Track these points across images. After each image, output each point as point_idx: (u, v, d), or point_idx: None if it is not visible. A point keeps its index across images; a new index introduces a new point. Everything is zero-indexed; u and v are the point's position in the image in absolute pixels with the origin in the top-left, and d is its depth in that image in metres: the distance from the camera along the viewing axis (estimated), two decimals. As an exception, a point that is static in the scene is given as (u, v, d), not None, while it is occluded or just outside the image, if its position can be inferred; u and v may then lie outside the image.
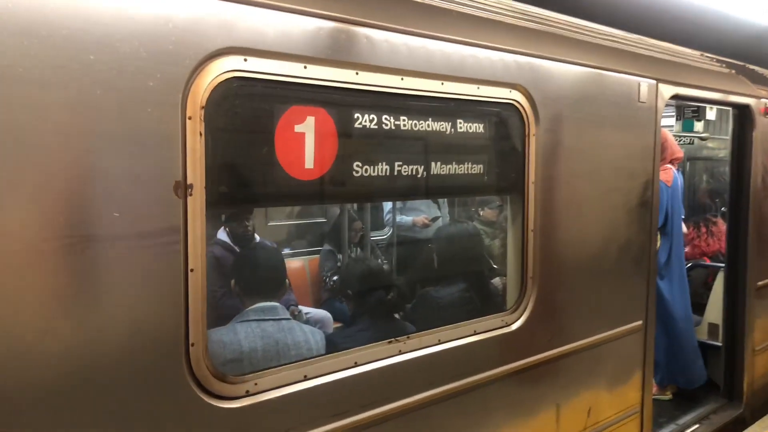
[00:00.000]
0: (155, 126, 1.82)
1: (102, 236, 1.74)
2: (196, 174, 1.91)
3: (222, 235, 5.24)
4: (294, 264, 6.23)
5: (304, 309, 4.98)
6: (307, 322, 4.97)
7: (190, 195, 1.90)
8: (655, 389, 4.56)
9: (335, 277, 5.89)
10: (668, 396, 5.18)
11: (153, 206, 1.83)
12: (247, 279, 2.86)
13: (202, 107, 1.92)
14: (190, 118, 1.89)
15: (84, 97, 1.68)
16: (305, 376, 2.25)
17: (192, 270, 1.93)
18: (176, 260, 1.89)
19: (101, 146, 1.72)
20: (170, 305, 1.89)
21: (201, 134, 1.92)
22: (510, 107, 2.95)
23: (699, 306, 5.42)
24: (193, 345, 1.95)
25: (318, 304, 5.99)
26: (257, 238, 5.32)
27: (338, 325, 5.23)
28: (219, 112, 1.99)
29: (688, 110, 5.64)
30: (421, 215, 6.61)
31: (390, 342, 2.54)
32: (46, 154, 1.63)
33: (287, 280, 4.85)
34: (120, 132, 1.75)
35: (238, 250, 5.04)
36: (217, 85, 1.95)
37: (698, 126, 5.71)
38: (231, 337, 2.52)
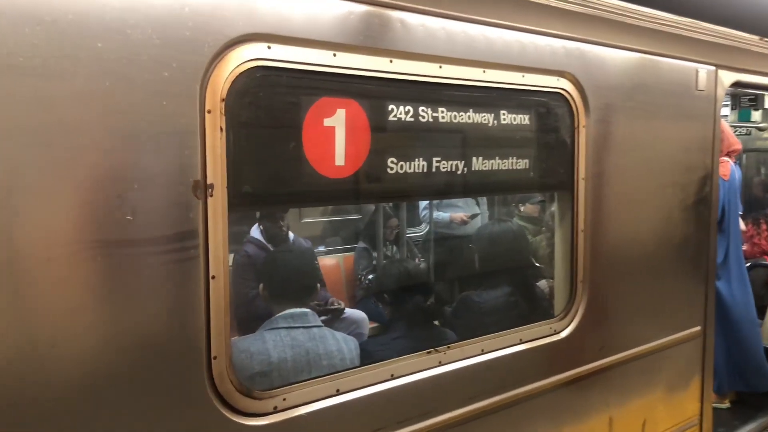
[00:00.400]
0: (171, 120, 1.66)
1: (113, 242, 1.59)
2: (217, 173, 1.75)
3: (256, 232, 5.12)
4: (328, 262, 6.08)
5: (340, 310, 4.82)
6: (343, 321, 4.83)
7: (211, 196, 1.74)
8: (712, 397, 4.26)
9: (370, 276, 5.72)
10: (726, 404, 4.87)
11: (170, 209, 1.68)
12: (276, 283, 2.70)
13: (223, 100, 1.76)
14: (209, 112, 1.73)
15: (92, 90, 1.54)
16: (338, 390, 2.08)
17: (213, 277, 1.77)
18: (196, 267, 1.74)
19: (111, 143, 1.57)
20: (190, 316, 1.73)
21: (222, 129, 1.76)
22: (558, 97, 2.72)
23: (760, 309, 5.07)
24: (215, 358, 1.79)
25: (353, 303, 5.84)
26: (291, 236, 5.18)
27: (374, 325, 5.07)
28: (241, 104, 1.82)
29: (744, 99, 5.29)
30: (459, 211, 6.39)
31: (429, 352, 2.35)
32: (49, 152, 1.49)
33: (321, 280, 4.72)
34: (132, 127, 1.60)
35: (271, 250, 4.91)
36: (238, 75, 1.79)
37: (755, 116, 5.37)
38: (259, 346, 2.36)
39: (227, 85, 1.76)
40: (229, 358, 1.83)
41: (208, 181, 1.73)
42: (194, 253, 1.73)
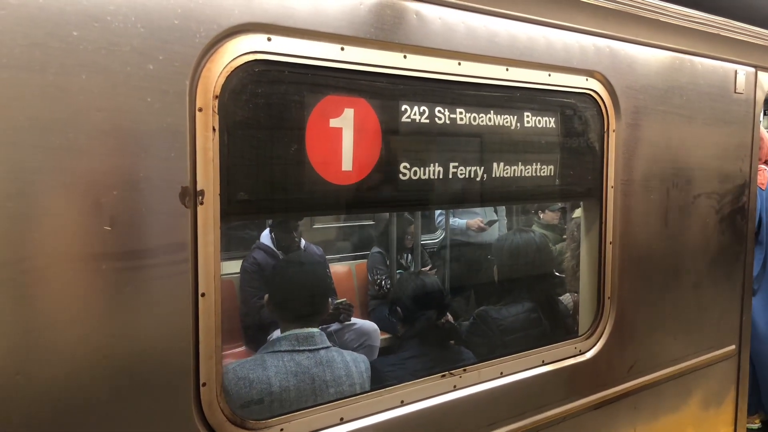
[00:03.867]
0: (156, 119, 1.48)
1: (89, 255, 1.41)
2: (209, 178, 1.57)
3: (266, 238, 4.94)
4: (340, 269, 5.89)
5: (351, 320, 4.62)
6: (353, 332, 4.63)
7: (201, 203, 1.56)
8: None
9: (385, 283, 5.52)
10: (757, 424, 4.61)
11: (154, 218, 1.49)
12: (283, 298, 2.49)
13: (216, 97, 1.57)
14: (200, 110, 1.55)
15: (66, 83, 1.36)
16: (342, 419, 1.89)
17: (203, 294, 1.58)
18: (184, 283, 1.55)
19: (87, 144, 1.39)
20: (176, 338, 1.55)
21: (214, 129, 1.58)
22: (586, 98, 2.51)
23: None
24: (204, 385, 1.61)
25: (365, 313, 5.64)
26: (303, 243, 5.00)
27: (385, 336, 4.87)
28: (237, 102, 1.63)
29: (779, 104, 5.01)
30: (476, 218, 6.17)
31: (443, 376, 2.15)
32: (15, 153, 1.31)
33: (333, 294, 4.51)
34: (111, 126, 1.42)
35: (281, 257, 4.73)
36: (234, 70, 1.60)
37: (791, 121, 5.09)
38: (259, 373, 2.16)
39: (221, 81, 1.58)
40: (221, 384, 1.64)
41: (198, 187, 1.55)
42: (182, 267, 1.54)
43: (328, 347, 2.31)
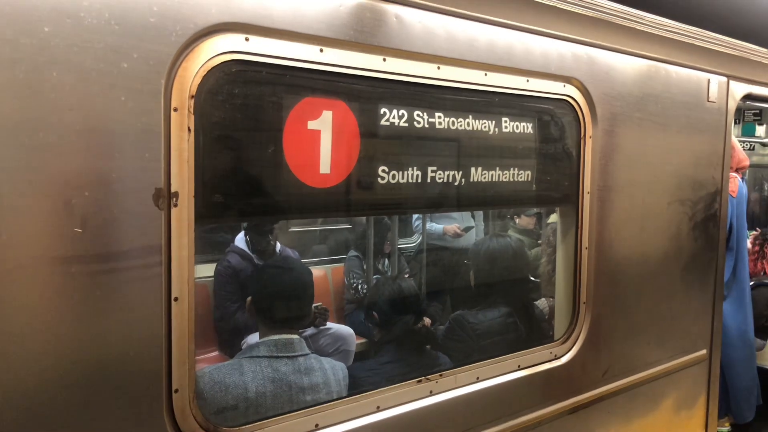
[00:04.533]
0: (130, 119, 1.44)
1: (59, 258, 1.37)
2: (183, 180, 1.54)
3: (240, 241, 4.87)
4: (316, 273, 5.83)
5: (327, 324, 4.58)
6: (329, 337, 4.59)
7: (175, 206, 1.53)
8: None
9: (361, 288, 5.49)
10: (727, 427, 4.68)
11: (126, 220, 1.46)
12: (266, 302, 2.44)
13: (192, 96, 1.54)
14: (175, 110, 1.52)
15: (36, 81, 1.32)
16: (317, 425, 1.86)
17: (176, 299, 1.55)
18: (156, 287, 1.52)
19: (58, 143, 1.35)
20: (147, 343, 1.51)
21: (189, 130, 1.55)
22: (563, 104, 2.52)
23: (763, 329, 4.89)
24: (177, 391, 1.57)
25: (341, 317, 5.60)
26: (278, 246, 4.95)
27: (361, 340, 4.84)
28: (213, 102, 1.61)
29: (749, 113, 5.13)
30: (453, 223, 6.17)
31: (419, 381, 2.14)
32: (-19, 152, 1.27)
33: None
34: (83, 126, 1.38)
35: (256, 261, 4.68)
36: (210, 70, 1.58)
37: (760, 130, 5.20)
38: (236, 378, 2.12)
39: (197, 80, 1.55)
40: (193, 390, 1.61)
41: (173, 189, 1.52)
42: (154, 271, 1.51)
43: (307, 354, 2.28)
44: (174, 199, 1.52)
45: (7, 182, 1.30)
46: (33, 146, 1.33)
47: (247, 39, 1.63)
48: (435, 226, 6.16)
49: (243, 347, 3.86)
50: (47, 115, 1.34)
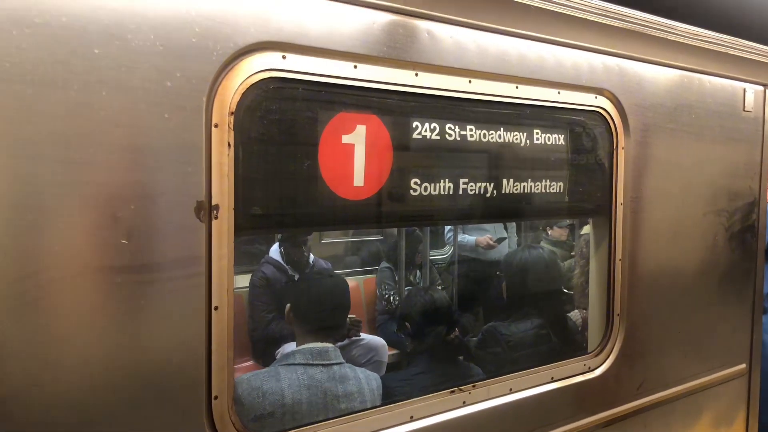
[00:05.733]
0: (173, 135, 1.51)
1: (105, 268, 1.43)
2: (224, 193, 1.60)
3: (275, 253, 4.96)
4: (348, 284, 5.88)
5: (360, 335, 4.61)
6: (361, 348, 4.62)
7: (216, 218, 1.58)
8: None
9: (393, 299, 5.52)
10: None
11: (169, 232, 1.52)
12: (303, 314, 2.50)
13: (231, 113, 1.60)
14: (216, 126, 1.58)
15: (86, 100, 1.39)
16: (351, 434, 1.89)
17: (216, 308, 1.60)
18: (197, 296, 1.57)
19: (106, 159, 1.42)
20: (188, 351, 1.57)
21: (229, 145, 1.60)
22: (595, 116, 2.53)
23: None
24: (216, 398, 1.62)
25: (373, 328, 5.64)
26: (312, 257, 5.02)
27: (393, 351, 4.86)
28: (251, 119, 1.67)
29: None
30: (486, 234, 6.17)
31: (452, 392, 2.15)
32: (36, 167, 1.34)
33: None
34: (130, 142, 1.45)
35: (290, 272, 4.75)
36: (249, 87, 1.64)
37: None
38: (272, 384, 2.17)
39: (237, 98, 1.61)
40: (232, 397, 1.65)
41: (213, 202, 1.58)
42: (195, 281, 1.56)
43: (341, 363, 2.32)
44: (215, 212, 1.58)
45: (60, 196, 1.38)
46: (83, 162, 1.40)
47: (284, 57, 1.69)
48: (467, 238, 6.15)
49: (277, 356, 3.92)
50: (96, 132, 1.41)
